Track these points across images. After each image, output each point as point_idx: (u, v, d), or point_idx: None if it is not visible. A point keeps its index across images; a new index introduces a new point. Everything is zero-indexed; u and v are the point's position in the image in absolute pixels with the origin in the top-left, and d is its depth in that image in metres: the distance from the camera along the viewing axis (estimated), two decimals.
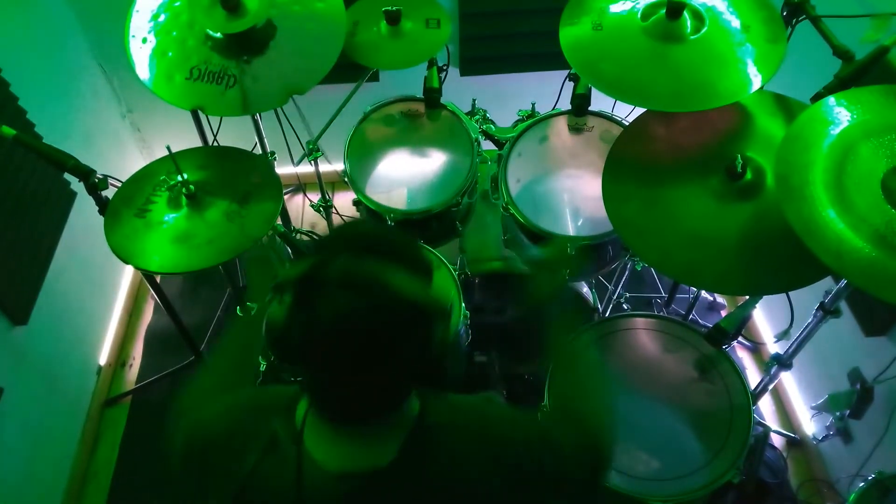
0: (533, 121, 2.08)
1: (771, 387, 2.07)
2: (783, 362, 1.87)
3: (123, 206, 1.72)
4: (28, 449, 2.08)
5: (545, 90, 2.25)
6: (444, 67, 2.15)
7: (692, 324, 1.89)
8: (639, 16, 1.60)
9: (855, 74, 1.42)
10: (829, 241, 1.16)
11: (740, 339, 2.57)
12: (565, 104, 2.09)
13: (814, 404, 2.19)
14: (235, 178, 1.79)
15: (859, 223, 1.17)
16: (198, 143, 2.37)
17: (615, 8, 1.63)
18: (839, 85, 1.43)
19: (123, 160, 2.82)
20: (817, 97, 1.43)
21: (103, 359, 2.58)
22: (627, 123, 1.77)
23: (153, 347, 2.70)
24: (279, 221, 1.80)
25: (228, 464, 0.90)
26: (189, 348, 2.51)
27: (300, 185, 3.03)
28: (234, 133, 2.26)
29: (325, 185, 2.46)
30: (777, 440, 2.36)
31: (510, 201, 1.92)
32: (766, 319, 2.62)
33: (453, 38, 2.58)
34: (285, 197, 2.88)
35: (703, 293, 2.64)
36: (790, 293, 1.63)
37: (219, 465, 0.92)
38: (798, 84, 1.57)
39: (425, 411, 0.88)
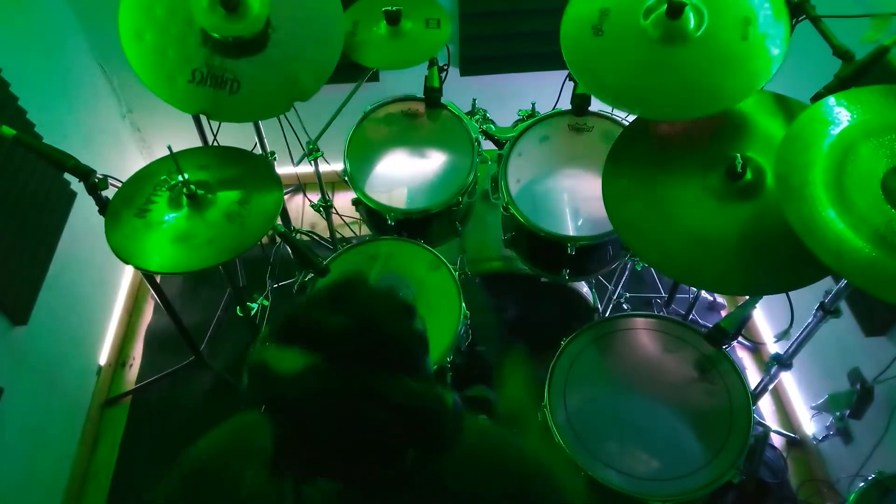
0: (533, 121, 2.08)
1: (771, 387, 2.07)
2: (783, 362, 1.87)
3: (124, 206, 1.72)
4: (28, 449, 2.08)
5: (545, 90, 2.25)
6: (445, 67, 2.15)
7: (692, 324, 1.89)
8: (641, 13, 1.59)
9: (855, 74, 1.42)
10: (828, 241, 1.16)
11: (740, 339, 2.57)
12: (565, 104, 2.10)
13: (814, 404, 2.19)
14: (236, 178, 1.79)
15: (859, 223, 1.18)
16: (198, 143, 2.38)
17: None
18: (839, 85, 1.43)
19: (123, 160, 2.82)
20: (817, 97, 1.43)
21: (103, 359, 2.58)
22: (627, 123, 1.77)
23: (153, 347, 2.70)
24: (279, 221, 1.80)
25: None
26: (189, 348, 2.51)
27: (300, 185, 3.03)
28: (234, 133, 2.26)
29: (325, 185, 2.47)
30: (777, 440, 2.36)
31: (510, 201, 1.92)
32: (766, 319, 2.62)
33: (453, 38, 2.58)
34: (285, 197, 2.89)
35: (703, 293, 2.64)
36: (790, 293, 1.63)
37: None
38: (798, 84, 1.57)
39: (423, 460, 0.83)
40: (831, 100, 1.32)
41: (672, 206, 1.50)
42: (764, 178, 1.48)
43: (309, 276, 1.98)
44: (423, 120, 2.18)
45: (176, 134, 2.23)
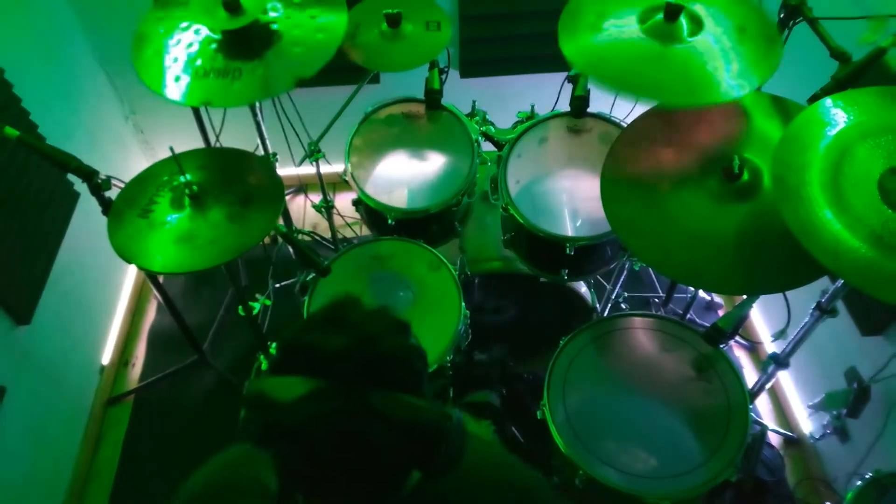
0: (532, 122, 2.09)
1: (768, 386, 2.08)
2: (780, 361, 1.88)
3: (126, 207, 1.73)
4: (31, 448, 2.09)
5: (544, 92, 2.26)
6: (445, 69, 2.16)
7: (690, 323, 1.90)
8: (637, 19, 1.61)
9: (852, 76, 1.42)
10: (825, 242, 1.17)
11: (737, 338, 2.59)
12: (564, 106, 2.11)
13: (811, 403, 2.21)
14: (238, 179, 1.80)
15: (856, 224, 1.18)
16: (200, 144, 2.39)
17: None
18: (836, 86, 1.44)
19: (126, 161, 2.84)
20: (814, 98, 1.44)
21: (106, 358, 2.60)
22: (626, 125, 1.79)
23: (156, 347, 2.72)
24: (281, 222, 1.80)
25: None
26: (191, 348, 2.53)
27: (301, 186, 3.04)
28: (236, 134, 2.27)
29: (327, 185, 2.48)
30: (774, 439, 2.37)
31: (510, 202, 1.93)
32: (763, 319, 2.63)
33: (453, 40, 2.59)
34: (287, 198, 2.90)
35: (701, 293, 2.65)
36: (787, 293, 1.64)
37: None
38: (795, 85, 1.58)
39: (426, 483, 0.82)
40: (828, 101, 1.33)
41: (670, 207, 1.51)
42: (761, 179, 1.49)
43: (310, 276, 1.99)
44: (423, 121, 2.19)
45: (178, 135, 2.24)
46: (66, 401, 2.34)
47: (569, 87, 2.05)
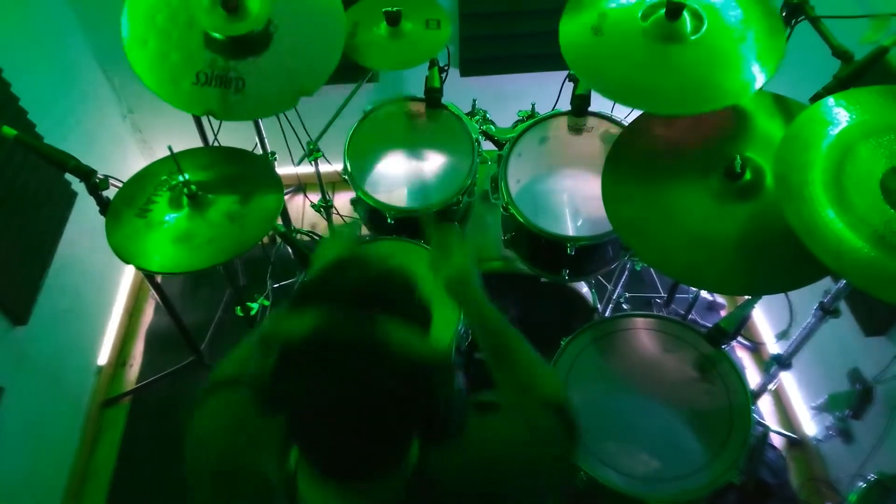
0: (533, 121, 2.08)
1: (771, 387, 2.07)
2: (783, 362, 1.87)
3: (124, 206, 1.73)
4: (28, 448, 2.08)
5: (545, 91, 2.25)
6: (445, 68, 2.15)
7: (692, 324, 1.89)
8: (639, 16, 1.60)
9: (854, 75, 1.42)
10: (828, 241, 1.17)
11: (740, 338, 2.57)
12: (565, 105, 2.10)
13: (814, 404, 2.20)
14: (236, 178, 1.80)
15: (858, 223, 1.18)
16: (198, 143, 2.38)
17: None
18: (838, 85, 1.43)
19: (124, 160, 2.83)
20: (816, 97, 1.43)
21: (103, 359, 2.59)
22: (627, 124, 1.78)
23: (153, 347, 2.71)
24: (280, 221, 1.80)
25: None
26: (189, 348, 2.52)
27: (300, 186, 3.03)
28: (235, 133, 2.27)
29: (326, 185, 2.47)
30: (777, 440, 2.36)
31: (510, 201, 1.92)
32: (765, 319, 2.62)
33: (453, 38, 2.58)
34: (286, 197, 2.89)
35: (703, 293, 2.64)
36: (789, 293, 1.64)
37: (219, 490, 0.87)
38: (797, 85, 1.57)
39: (425, 457, 0.82)
40: (830, 100, 1.33)
41: (671, 207, 1.51)
42: (763, 179, 1.48)
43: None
44: (423, 120, 2.18)
45: (176, 134, 2.23)
46: (64, 401, 2.33)
47: (569, 86, 2.05)
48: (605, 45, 1.59)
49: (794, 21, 1.63)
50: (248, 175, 1.81)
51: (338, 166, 2.14)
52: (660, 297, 2.70)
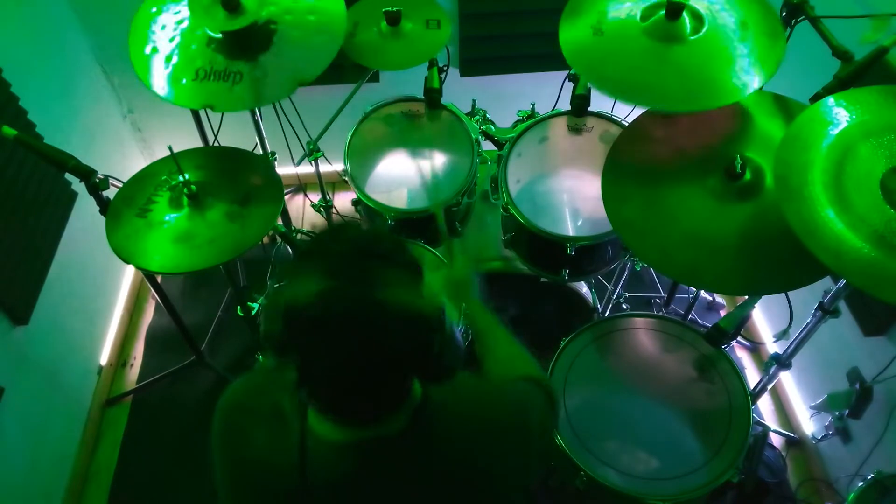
0: (533, 121, 2.08)
1: (770, 386, 2.07)
2: (782, 362, 1.87)
3: (125, 206, 1.73)
4: (29, 448, 2.08)
5: (545, 91, 2.25)
6: (445, 68, 2.15)
7: (691, 324, 1.89)
8: (638, 17, 1.60)
9: (854, 75, 1.42)
10: (828, 241, 1.17)
11: (739, 338, 2.58)
12: (565, 105, 2.10)
13: (813, 404, 2.20)
14: (236, 178, 1.80)
15: (858, 223, 1.18)
16: (198, 143, 2.38)
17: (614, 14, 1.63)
18: (838, 85, 1.43)
19: (124, 160, 2.83)
20: (816, 97, 1.43)
21: (104, 358, 2.59)
22: (627, 124, 1.78)
23: (154, 347, 2.71)
24: (280, 221, 1.80)
25: (241, 433, 0.93)
26: (190, 348, 2.52)
27: (301, 186, 3.03)
28: (235, 133, 2.27)
29: (326, 185, 2.47)
30: (776, 440, 2.37)
31: (510, 201, 1.92)
32: (765, 319, 2.62)
33: (453, 38, 2.58)
34: (286, 197, 2.89)
35: (703, 293, 2.64)
36: (789, 293, 1.64)
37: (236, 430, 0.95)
38: (797, 84, 1.57)
39: (428, 393, 0.90)
40: (830, 100, 1.32)
41: (671, 207, 1.51)
42: (763, 179, 1.48)
43: None
44: (423, 120, 2.19)
45: (177, 134, 2.24)
46: (64, 401, 2.33)
47: (569, 86, 2.05)
48: (605, 46, 1.59)
49: (794, 21, 1.63)
50: (249, 175, 1.81)
51: (338, 166, 2.14)
52: (659, 297, 2.70)
